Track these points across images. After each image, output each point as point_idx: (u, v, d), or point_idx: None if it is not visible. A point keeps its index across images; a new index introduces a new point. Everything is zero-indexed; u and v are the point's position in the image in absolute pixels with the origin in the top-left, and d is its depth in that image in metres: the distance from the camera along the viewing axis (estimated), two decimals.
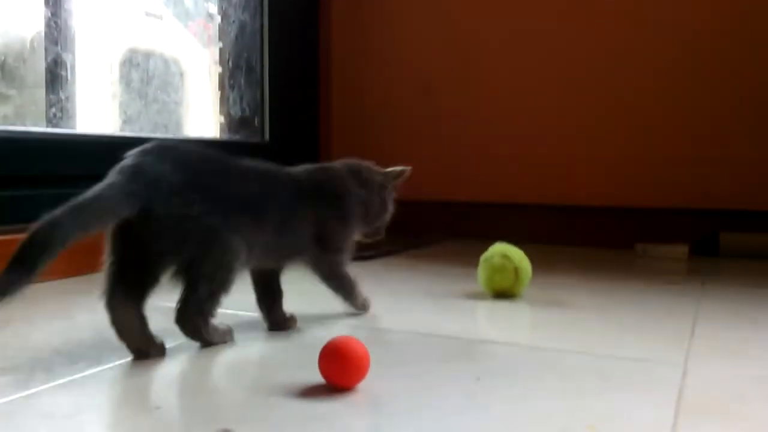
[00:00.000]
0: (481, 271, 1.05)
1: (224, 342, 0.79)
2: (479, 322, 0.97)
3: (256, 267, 0.86)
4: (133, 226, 0.71)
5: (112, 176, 0.71)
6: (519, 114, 1.73)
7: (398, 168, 0.98)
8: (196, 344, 0.78)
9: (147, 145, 0.74)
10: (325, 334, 0.83)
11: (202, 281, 0.74)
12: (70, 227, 0.66)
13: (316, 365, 0.63)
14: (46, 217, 0.65)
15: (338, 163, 0.96)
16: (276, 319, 0.87)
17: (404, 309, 0.99)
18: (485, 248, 1.06)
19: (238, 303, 1.01)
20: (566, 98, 1.69)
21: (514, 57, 1.73)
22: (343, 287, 0.92)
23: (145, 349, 0.73)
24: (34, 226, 0.65)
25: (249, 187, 0.80)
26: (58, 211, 0.66)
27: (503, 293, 1.04)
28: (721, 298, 1.08)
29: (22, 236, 0.64)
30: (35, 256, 0.64)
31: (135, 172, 0.71)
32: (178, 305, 0.75)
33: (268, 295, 0.89)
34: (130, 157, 0.72)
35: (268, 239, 0.81)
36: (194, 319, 0.76)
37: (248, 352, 0.77)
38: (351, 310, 0.93)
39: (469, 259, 1.07)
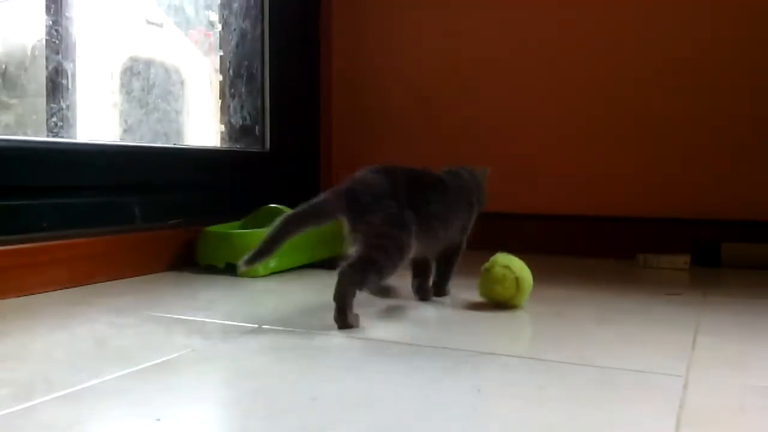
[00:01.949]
0: (482, 282, 1.04)
1: (383, 296, 1.00)
2: (480, 333, 0.97)
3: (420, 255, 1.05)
4: (349, 219, 0.94)
5: (343, 182, 0.95)
6: (519, 123, 1.73)
7: (483, 168, 1.17)
8: (197, 357, 0.78)
9: (374, 166, 0.98)
10: (320, 344, 0.83)
11: (378, 261, 0.91)
12: (292, 226, 0.94)
13: (312, 376, 0.63)
14: (283, 217, 0.94)
15: (461, 170, 1.13)
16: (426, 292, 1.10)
17: (403, 319, 0.99)
18: (486, 258, 1.05)
19: (231, 314, 1.01)
20: (567, 107, 1.69)
21: (514, 66, 1.73)
22: (451, 273, 1.10)
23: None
24: (275, 223, 0.94)
25: (435, 195, 1.00)
26: (290, 212, 0.95)
27: (504, 304, 1.04)
28: (723, 308, 1.08)
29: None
30: (270, 245, 0.93)
31: (356, 181, 0.95)
32: (348, 268, 0.91)
33: (424, 274, 1.10)
34: (361, 171, 0.97)
35: (441, 234, 1.01)
36: (351, 287, 0.91)
37: (246, 365, 0.77)
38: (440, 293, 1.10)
39: (470, 270, 1.06)
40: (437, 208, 1.00)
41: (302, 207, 0.95)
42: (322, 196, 0.95)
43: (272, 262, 1.32)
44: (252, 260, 0.93)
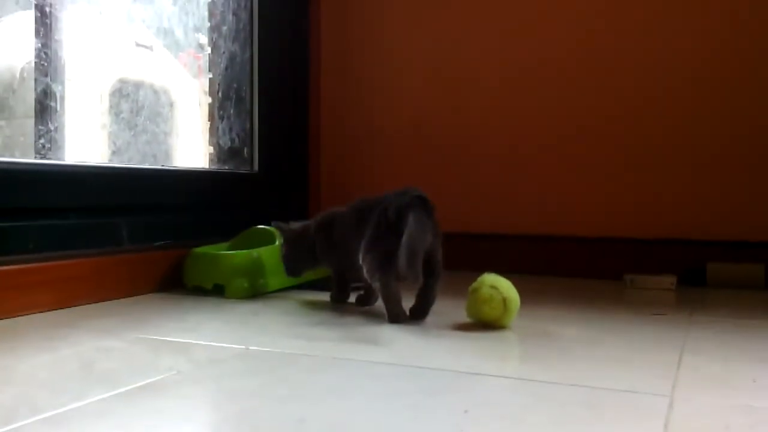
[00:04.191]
0: (469, 302, 1.04)
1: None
2: (467, 353, 0.97)
3: None
4: None
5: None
6: (506, 145, 1.74)
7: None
8: (183, 379, 0.78)
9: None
10: (307, 366, 0.83)
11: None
12: None
13: (298, 398, 0.63)
14: None
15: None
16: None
17: (390, 340, 0.99)
18: (473, 279, 1.06)
19: (218, 336, 1.01)
20: (554, 130, 1.70)
21: (503, 89, 1.75)
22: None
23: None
24: None
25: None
26: None
27: (491, 324, 1.04)
28: (709, 328, 1.08)
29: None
30: None
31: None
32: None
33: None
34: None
35: None
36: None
37: (233, 388, 0.76)
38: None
39: (457, 290, 1.07)
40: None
41: None
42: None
43: (262, 283, 1.31)
44: None
